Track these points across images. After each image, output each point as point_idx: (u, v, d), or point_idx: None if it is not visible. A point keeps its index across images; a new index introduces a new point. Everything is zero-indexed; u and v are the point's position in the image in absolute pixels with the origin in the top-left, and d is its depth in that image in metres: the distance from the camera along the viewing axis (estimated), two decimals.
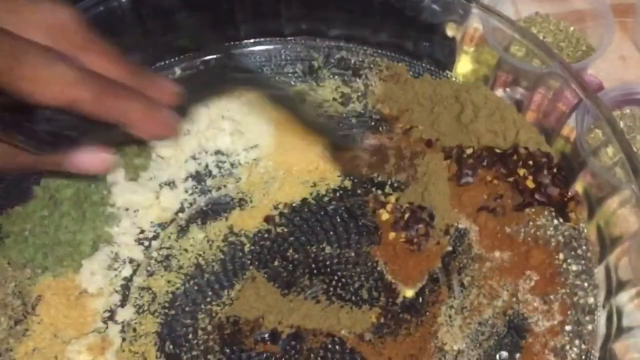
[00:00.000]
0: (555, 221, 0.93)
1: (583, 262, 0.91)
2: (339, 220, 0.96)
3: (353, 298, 0.90)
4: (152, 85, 0.69)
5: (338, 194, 0.97)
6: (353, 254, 0.93)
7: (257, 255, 0.93)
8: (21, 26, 0.61)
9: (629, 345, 0.81)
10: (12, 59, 0.57)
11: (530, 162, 0.96)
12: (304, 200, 0.97)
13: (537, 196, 0.94)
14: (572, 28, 1.19)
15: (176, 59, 1.01)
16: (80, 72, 0.61)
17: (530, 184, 0.94)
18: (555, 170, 0.95)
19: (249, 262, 0.92)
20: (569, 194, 0.94)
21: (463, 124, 0.97)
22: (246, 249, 0.93)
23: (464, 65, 1.02)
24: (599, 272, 0.90)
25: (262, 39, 1.04)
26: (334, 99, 1.02)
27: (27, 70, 0.57)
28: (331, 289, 0.91)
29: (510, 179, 0.95)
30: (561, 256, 0.91)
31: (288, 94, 0.93)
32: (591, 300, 0.89)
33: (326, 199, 0.97)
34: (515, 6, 1.22)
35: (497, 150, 0.97)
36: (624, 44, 1.21)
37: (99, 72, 0.64)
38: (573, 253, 0.91)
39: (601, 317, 0.87)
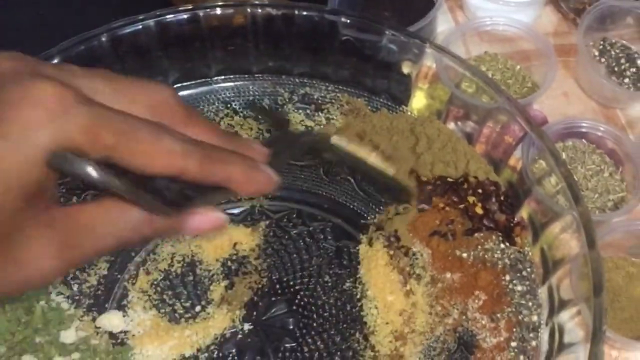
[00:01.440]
0: (502, 245, 0.94)
1: (527, 282, 0.91)
2: (302, 244, 0.97)
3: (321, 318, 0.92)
4: (247, 148, 0.69)
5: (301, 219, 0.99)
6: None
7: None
8: (128, 105, 0.61)
9: None
10: (124, 136, 0.57)
11: (480, 190, 0.96)
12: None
13: (485, 222, 0.94)
14: (518, 67, 1.20)
15: None
16: (186, 143, 0.61)
17: (479, 210, 0.95)
18: (502, 198, 0.96)
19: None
20: (515, 219, 0.95)
21: (417, 154, 0.98)
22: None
23: (418, 101, 1.02)
24: (543, 292, 0.90)
25: (231, 76, 1.04)
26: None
27: (138, 146, 0.58)
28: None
29: (461, 206, 0.95)
30: (507, 277, 0.92)
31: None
32: (535, 318, 0.89)
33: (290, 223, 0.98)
34: (466, 46, 1.24)
35: (450, 179, 0.97)
36: (567, 82, 1.23)
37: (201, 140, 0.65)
38: (518, 274, 0.92)
39: (544, 334, 0.88)
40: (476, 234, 0.95)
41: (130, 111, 0.60)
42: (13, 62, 0.58)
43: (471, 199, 0.96)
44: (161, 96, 0.65)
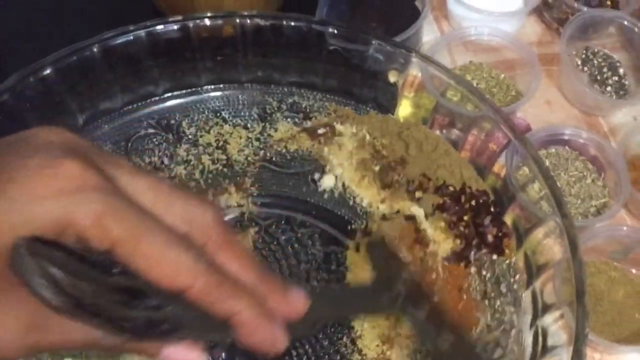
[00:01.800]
0: (493, 256, 0.94)
1: (512, 287, 0.92)
2: (290, 250, 0.98)
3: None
4: (278, 294, 0.64)
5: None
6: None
7: None
8: (162, 211, 0.58)
9: None
10: (135, 232, 0.54)
11: (473, 203, 0.96)
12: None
13: (477, 238, 0.95)
14: (502, 75, 1.21)
15: (144, 102, 1.01)
16: (199, 262, 0.57)
17: (472, 229, 0.95)
18: (492, 209, 0.96)
19: None
20: (504, 230, 0.95)
21: (412, 157, 0.99)
22: None
23: (404, 109, 1.03)
24: (526, 296, 0.90)
25: (221, 86, 1.04)
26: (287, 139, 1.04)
27: (146, 247, 0.54)
28: None
29: (457, 225, 0.96)
30: (493, 282, 0.93)
31: None
32: (519, 322, 0.90)
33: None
34: (452, 55, 1.24)
35: (451, 189, 0.98)
36: (550, 90, 1.24)
37: (226, 271, 0.60)
38: (504, 280, 0.93)
39: (528, 337, 0.88)
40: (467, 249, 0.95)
41: (165, 220, 0.58)
42: (53, 135, 0.56)
43: (466, 216, 0.97)
44: (202, 212, 0.61)
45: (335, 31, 0.99)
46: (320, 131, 1.02)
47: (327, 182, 1.02)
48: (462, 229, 0.95)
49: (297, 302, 0.65)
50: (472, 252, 0.94)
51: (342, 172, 1.02)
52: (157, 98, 1.02)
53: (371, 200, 1.01)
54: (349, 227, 0.99)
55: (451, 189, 0.97)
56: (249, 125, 1.04)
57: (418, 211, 0.97)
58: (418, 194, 0.98)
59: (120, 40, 0.95)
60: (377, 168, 1.00)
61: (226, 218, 1.00)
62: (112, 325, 0.56)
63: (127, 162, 0.60)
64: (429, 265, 0.95)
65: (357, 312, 0.87)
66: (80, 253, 0.54)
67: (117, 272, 0.56)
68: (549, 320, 0.85)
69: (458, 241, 0.95)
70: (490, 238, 0.94)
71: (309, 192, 1.02)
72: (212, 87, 1.04)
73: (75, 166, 0.53)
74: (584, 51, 1.25)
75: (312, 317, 0.66)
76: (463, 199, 0.96)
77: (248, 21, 0.98)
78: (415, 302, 0.82)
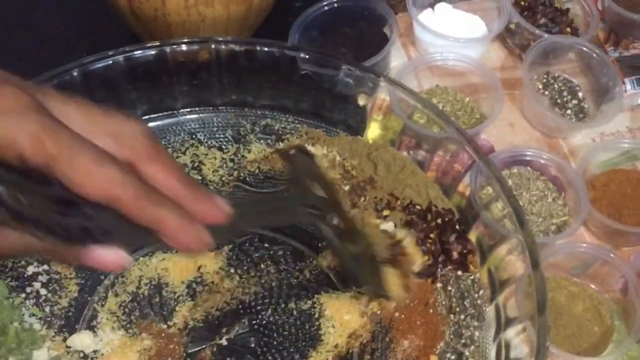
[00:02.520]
0: (458, 272, 0.95)
1: (476, 302, 0.93)
2: (263, 267, 0.98)
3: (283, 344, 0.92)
4: (202, 201, 0.67)
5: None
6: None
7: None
8: (91, 130, 0.61)
9: None
10: (69, 150, 0.57)
11: (439, 221, 0.97)
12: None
13: (443, 255, 0.95)
14: (467, 99, 1.22)
15: None
16: (127, 174, 0.61)
17: (438, 246, 0.96)
18: (457, 228, 0.97)
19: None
20: (468, 247, 0.96)
21: (380, 177, 1.00)
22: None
23: (373, 131, 1.04)
24: (490, 310, 0.91)
25: (196, 108, 1.05)
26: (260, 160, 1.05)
27: (79, 163, 0.58)
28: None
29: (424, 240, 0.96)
30: (458, 297, 0.93)
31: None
32: (483, 335, 0.91)
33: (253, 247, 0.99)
34: (418, 80, 1.25)
35: (418, 207, 0.98)
36: (512, 113, 1.25)
37: (154, 181, 0.64)
38: (468, 295, 0.93)
39: (492, 350, 0.89)
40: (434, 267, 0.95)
41: (95, 138, 0.61)
42: None
43: (432, 234, 0.97)
44: (131, 129, 0.65)
45: (307, 56, 1.00)
46: (292, 152, 1.02)
47: None
48: (428, 245, 0.96)
49: (220, 207, 0.69)
50: (439, 269, 0.94)
51: None
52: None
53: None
54: (319, 244, 0.99)
55: (418, 207, 0.98)
56: (223, 146, 1.05)
57: (388, 225, 0.97)
58: (386, 212, 0.98)
59: (99, 65, 0.96)
60: (347, 188, 1.01)
61: None
62: (50, 233, 0.61)
63: (54, 90, 0.64)
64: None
65: (278, 222, 0.92)
66: (18, 168, 0.58)
67: (52, 184, 0.59)
68: (511, 333, 0.87)
69: (426, 257, 0.95)
70: (455, 255, 0.95)
71: None
72: (188, 109, 1.05)
73: (11, 91, 0.57)
74: (545, 76, 1.26)
75: (235, 223, 0.70)
76: (429, 217, 0.97)
77: (223, 46, 0.99)
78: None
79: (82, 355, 0.89)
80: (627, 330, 1.03)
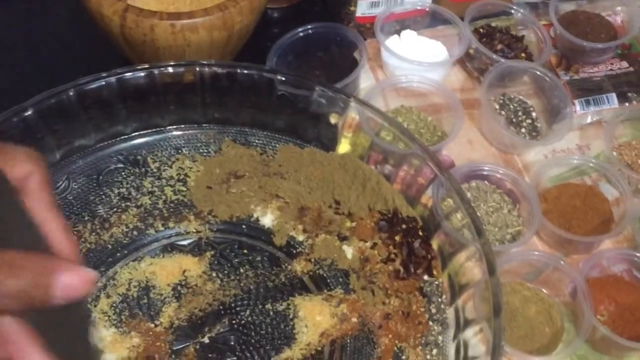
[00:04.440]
0: (425, 277, 0.96)
1: (440, 306, 0.94)
2: (242, 271, 0.99)
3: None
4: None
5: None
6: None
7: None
8: None
9: None
10: None
11: (404, 226, 0.98)
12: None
13: (410, 259, 0.97)
14: (430, 118, 1.23)
15: (114, 140, 1.03)
16: None
17: (404, 250, 0.98)
18: (421, 234, 0.98)
19: None
20: (431, 254, 0.97)
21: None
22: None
23: (344, 147, 1.04)
24: (450, 312, 0.93)
25: (182, 126, 1.05)
26: None
27: None
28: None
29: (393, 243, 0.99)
30: (425, 302, 0.95)
31: None
32: (443, 335, 0.92)
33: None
34: (385, 100, 1.26)
35: (385, 213, 1.00)
36: (471, 131, 1.26)
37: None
38: (432, 299, 0.95)
39: (451, 349, 0.90)
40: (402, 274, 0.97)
41: None
42: None
43: (397, 237, 0.98)
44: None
45: (283, 78, 1.00)
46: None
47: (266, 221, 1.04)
48: (395, 248, 0.98)
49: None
50: (412, 269, 0.96)
51: None
52: (125, 136, 1.03)
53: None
54: (294, 251, 1.00)
55: (384, 211, 0.99)
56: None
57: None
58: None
59: (93, 85, 0.96)
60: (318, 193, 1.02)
61: (185, 242, 1.01)
62: None
63: None
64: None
65: None
66: None
67: None
68: (469, 334, 0.88)
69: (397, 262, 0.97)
70: (421, 260, 0.96)
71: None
72: (175, 126, 1.05)
73: None
74: (502, 97, 1.28)
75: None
76: (395, 221, 0.98)
77: (206, 69, 0.99)
78: None
79: None
80: (575, 332, 1.04)
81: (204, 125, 1.06)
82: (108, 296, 0.96)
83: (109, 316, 0.94)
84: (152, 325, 0.94)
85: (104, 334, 0.91)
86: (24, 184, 0.61)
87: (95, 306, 0.94)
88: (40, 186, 0.62)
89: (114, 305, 0.95)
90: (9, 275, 0.52)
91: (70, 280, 0.54)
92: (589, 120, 1.29)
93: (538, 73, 1.29)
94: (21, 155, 0.62)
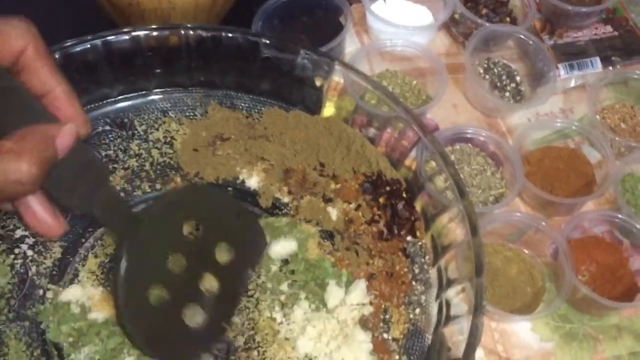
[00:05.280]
0: (408, 238, 0.96)
1: (423, 267, 0.94)
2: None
3: None
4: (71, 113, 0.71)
5: None
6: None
7: None
8: None
9: (455, 330, 0.84)
10: None
11: (388, 188, 0.98)
12: None
13: (392, 219, 0.97)
14: (415, 82, 1.23)
15: (101, 103, 1.02)
16: None
17: (388, 212, 0.98)
18: (404, 195, 0.98)
19: None
20: (415, 215, 0.97)
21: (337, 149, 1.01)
22: None
23: (328, 110, 1.04)
24: (433, 272, 0.93)
25: (168, 89, 1.05)
26: None
27: None
28: None
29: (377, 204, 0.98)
30: (408, 262, 0.95)
31: None
32: (426, 295, 0.93)
33: None
34: (370, 64, 1.27)
35: (369, 176, 0.99)
36: (456, 95, 1.27)
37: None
38: (415, 259, 0.95)
39: (434, 308, 0.91)
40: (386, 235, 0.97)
41: None
42: None
43: (381, 198, 0.98)
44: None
45: (268, 42, 1.00)
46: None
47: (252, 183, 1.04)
48: (379, 210, 0.97)
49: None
50: (395, 231, 0.96)
51: None
52: (112, 99, 1.03)
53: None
54: (280, 212, 1.00)
55: (369, 173, 0.99)
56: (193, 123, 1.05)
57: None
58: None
59: (78, 48, 0.95)
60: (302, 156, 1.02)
61: None
62: None
63: None
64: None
65: None
66: None
67: None
68: (452, 293, 0.88)
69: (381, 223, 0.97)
70: (404, 221, 0.96)
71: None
72: (161, 90, 1.05)
73: None
74: (486, 61, 1.28)
75: None
76: (379, 183, 0.98)
77: (191, 32, 0.99)
78: None
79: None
80: (556, 291, 1.05)
81: (190, 88, 1.06)
82: (96, 256, 0.95)
83: (97, 275, 0.94)
84: None
85: (92, 293, 0.91)
86: (21, 60, 0.65)
87: (83, 266, 0.94)
88: (35, 56, 0.67)
89: (102, 264, 0.95)
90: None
91: (66, 141, 0.67)
92: (572, 84, 1.29)
93: (522, 37, 1.29)
94: (11, 32, 0.66)
